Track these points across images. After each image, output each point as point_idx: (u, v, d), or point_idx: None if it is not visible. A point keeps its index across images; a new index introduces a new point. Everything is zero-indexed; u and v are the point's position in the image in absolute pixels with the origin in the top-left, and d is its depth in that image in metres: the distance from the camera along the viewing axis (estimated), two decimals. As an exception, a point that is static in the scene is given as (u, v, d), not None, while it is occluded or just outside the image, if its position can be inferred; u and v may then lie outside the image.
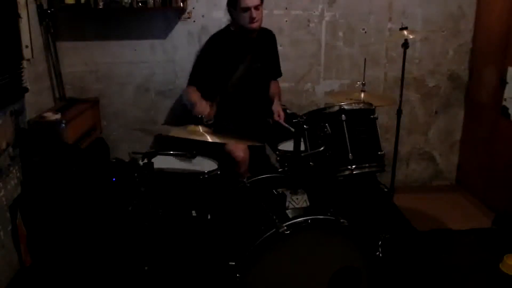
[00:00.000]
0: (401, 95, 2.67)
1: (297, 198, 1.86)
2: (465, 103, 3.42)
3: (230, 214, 2.13)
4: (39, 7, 2.69)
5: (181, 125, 1.86)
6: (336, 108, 1.97)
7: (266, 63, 2.78)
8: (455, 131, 3.50)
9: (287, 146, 2.44)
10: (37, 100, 2.62)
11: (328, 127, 1.93)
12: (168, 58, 3.09)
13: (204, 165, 2.17)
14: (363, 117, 2.03)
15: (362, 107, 2.06)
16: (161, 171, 2.02)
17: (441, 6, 3.20)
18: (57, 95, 2.92)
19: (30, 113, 2.47)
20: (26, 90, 2.43)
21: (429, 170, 3.57)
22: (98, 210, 2.33)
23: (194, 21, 3.04)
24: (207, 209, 2.07)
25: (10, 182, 2.26)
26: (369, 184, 2.68)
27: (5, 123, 2.21)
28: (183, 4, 2.85)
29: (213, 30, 2.82)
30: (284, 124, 2.51)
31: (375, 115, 2.05)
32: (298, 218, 1.75)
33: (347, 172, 1.94)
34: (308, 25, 3.15)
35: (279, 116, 2.64)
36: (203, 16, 3.04)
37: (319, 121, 1.95)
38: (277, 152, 2.39)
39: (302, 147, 1.91)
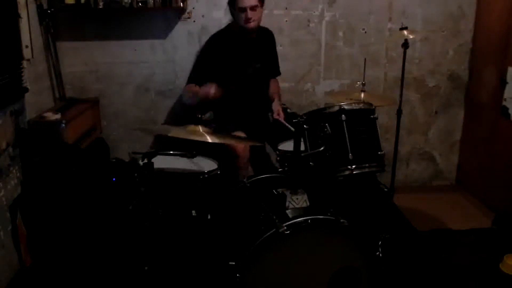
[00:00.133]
0: (401, 95, 2.67)
1: (297, 198, 1.86)
2: (465, 103, 3.42)
3: (230, 214, 2.13)
4: (39, 7, 2.69)
5: (181, 125, 1.86)
6: (336, 108, 1.97)
7: (266, 62, 2.79)
8: (455, 131, 3.50)
9: (287, 146, 2.44)
10: (37, 100, 2.62)
11: (328, 127, 1.93)
12: (168, 58, 3.09)
13: (204, 165, 2.17)
14: (363, 117, 2.03)
15: (362, 107, 2.06)
16: (161, 171, 2.02)
17: (441, 6, 3.20)
18: (57, 95, 2.92)
19: (30, 113, 2.47)
20: (26, 90, 2.43)
21: (429, 170, 3.57)
22: (98, 210, 2.33)
23: (194, 21, 3.04)
24: (207, 209, 2.07)
25: (10, 182, 2.26)
26: (369, 184, 2.68)
27: (5, 123, 2.21)
28: (183, 4, 2.85)
29: (213, 30, 2.83)
30: (284, 122, 2.52)
31: (375, 115, 2.05)
32: (298, 218, 1.75)
33: (347, 172, 1.94)
34: (308, 25, 3.15)
35: (278, 114, 2.64)
36: (203, 16, 3.04)
37: (319, 121, 1.95)
38: (277, 152, 2.39)
39: (302, 147, 1.91)
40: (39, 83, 2.70)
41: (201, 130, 1.77)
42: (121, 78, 3.09)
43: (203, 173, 2.06)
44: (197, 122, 1.83)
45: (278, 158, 2.34)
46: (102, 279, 2.20)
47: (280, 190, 1.93)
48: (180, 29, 3.05)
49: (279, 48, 3.02)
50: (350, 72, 3.26)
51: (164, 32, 3.04)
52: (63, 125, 2.40)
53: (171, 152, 1.99)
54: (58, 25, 2.87)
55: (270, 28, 2.89)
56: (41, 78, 2.74)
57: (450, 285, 2.29)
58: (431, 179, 3.59)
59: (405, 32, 2.54)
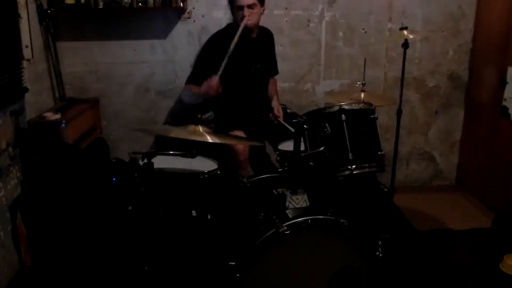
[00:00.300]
0: (401, 95, 2.67)
1: (297, 198, 1.86)
2: (465, 103, 3.42)
3: (230, 214, 2.13)
4: (39, 7, 2.69)
5: (181, 125, 1.86)
6: (336, 108, 1.97)
7: (266, 62, 2.79)
8: (455, 131, 3.50)
9: (287, 146, 2.44)
10: (37, 100, 2.62)
11: (328, 127, 1.93)
12: (168, 58, 3.09)
13: (204, 165, 2.17)
14: (363, 117, 2.03)
15: (362, 107, 2.06)
16: (161, 171, 2.02)
17: (441, 6, 3.20)
18: (57, 95, 2.92)
19: (30, 113, 2.47)
20: (26, 90, 2.43)
21: (429, 170, 3.57)
22: (98, 210, 2.33)
23: (194, 21, 3.04)
24: (207, 209, 2.07)
25: (10, 182, 2.26)
26: (369, 184, 2.68)
27: (5, 123, 2.21)
28: (183, 4, 2.85)
29: (213, 30, 2.82)
30: (283, 122, 2.52)
31: (375, 115, 2.05)
32: (298, 218, 1.75)
33: (347, 172, 1.94)
34: (308, 25, 3.15)
35: (278, 112, 2.64)
36: (203, 16, 3.04)
37: (319, 121, 1.95)
38: (277, 152, 2.39)
39: (302, 147, 1.91)
40: (39, 83, 2.70)
41: (201, 130, 1.77)
42: (121, 78, 3.09)
43: (203, 173, 2.06)
44: (197, 122, 1.83)
45: (278, 158, 2.34)
46: (102, 279, 2.20)
47: (280, 190, 1.93)
48: (180, 29, 3.05)
49: (279, 48, 3.02)
50: (350, 72, 3.26)
51: (164, 32, 3.04)
52: (63, 125, 2.40)
53: (171, 152, 1.99)
54: (58, 25, 2.87)
55: (270, 28, 2.89)
56: (41, 78, 2.74)
57: (450, 285, 2.29)
58: (431, 179, 3.59)
59: (405, 32, 2.54)
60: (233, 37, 2.64)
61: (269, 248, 1.69)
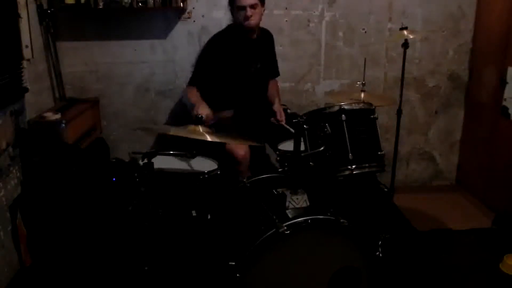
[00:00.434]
0: (401, 95, 2.67)
1: (297, 198, 1.86)
2: (465, 103, 3.42)
3: (230, 214, 2.13)
4: (39, 7, 2.69)
5: (181, 125, 1.86)
6: (336, 108, 1.97)
7: (266, 63, 2.79)
8: (455, 131, 3.50)
9: (287, 146, 2.44)
10: (37, 100, 2.62)
11: (328, 127, 1.93)
12: (168, 58, 3.09)
13: (204, 165, 2.17)
14: (363, 117, 2.03)
15: (362, 107, 2.06)
16: (161, 171, 2.02)
17: (441, 6, 3.20)
18: (57, 95, 2.92)
19: (30, 113, 2.47)
20: (26, 90, 2.43)
21: (429, 170, 3.57)
22: (98, 210, 2.33)
23: (194, 21, 3.04)
24: (207, 209, 2.07)
25: (10, 182, 2.26)
26: (369, 184, 2.68)
27: (5, 123, 2.21)
28: (183, 4, 2.85)
29: (213, 30, 2.83)
30: (285, 125, 2.51)
31: (375, 115, 2.05)
32: (298, 218, 1.75)
33: (347, 172, 1.94)
34: (308, 25, 3.15)
35: (280, 116, 2.64)
36: (203, 16, 3.04)
37: (319, 121, 1.95)
38: (277, 152, 2.39)
39: (302, 147, 1.91)
40: (39, 83, 2.70)
41: (201, 130, 1.77)
42: (121, 78, 3.09)
43: (203, 173, 2.06)
44: (197, 123, 1.83)
45: (278, 158, 2.34)
46: (102, 279, 2.20)
47: (280, 190, 1.93)
48: (180, 29, 3.05)
49: (279, 48, 3.02)
50: (350, 72, 3.26)
51: (164, 32, 3.04)
52: (63, 125, 2.40)
53: (171, 152, 2.00)
54: (58, 25, 2.87)
55: (270, 28, 2.89)
56: (41, 78, 2.74)
57: (450, 285, 2.29)
58: (431, 179, 3.59)
59: (405, 32, 2.54)
60: (233, 38, 2.64)
61: (269, 248, 1.69)
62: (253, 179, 2.22)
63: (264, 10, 2.62)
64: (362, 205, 2.55)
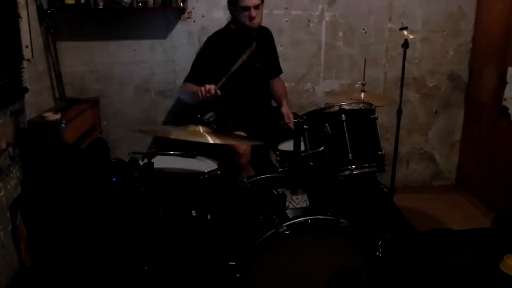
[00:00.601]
0: (401, 95, 2.67)
1: (297, 198, 1.86)
2: (465, 103, 3.42)
3: (230, 214, 2.13)
4: (39, 7, 2.69)
5: (181, 125, 1.86)
6: (336, 108, 1.97)
7: (265, 61, 2.79)
8: (455, 131, 3.50)
9: (287, 146, 2.44)
10: (37, 100, 2.62)
11: (328, 127, 1.93)
12: (168, 58, 3.09)
13: (204, 165, 2.17)
14: (363, 117, 2.03)
15: (362, 107, 2.06)
16: (161, 171, 2.02)
17: (441, 6, 3.20)
18: (57, 95, 2.92)
19: (30, 113, 2.47)
20: (26, 90, 2.43)
21: (429, 170, 3.57)
22: (98, 210, 2.33)
23: (194, 21, 3.04)
24: (207, 209, 2.07)
25: (10, 182, 2.26)
26: (369, 184, 2.68)
27: (5, 123, 2.21)
28: (183, 4, 2.85)
29: (213, 30, 2.82)
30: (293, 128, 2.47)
31: (375, 115, 2.05)
32: (298, 218, 1.75)
33: (347, 172, 1.94)
34: (308, 25, 3.15)
35: (288, 118, 2.59)
36: (203, 16, 3.04)
37: (319, 121, 1.95)
38: (277, 152, 2.39)
39: (302, 147, 1.91)
40: (39, 83, 2.70)
41: (201, 131, 1.77)
42: (121, 78, 3.09)
43: (203, 173, 2.06)
44: (198, 123, 1.83)
45: (278, 158, 2.34)
46: (102, 279, 2.20)
47: (280, 190, 1.92)
48: (180, 29, 3.05)
49: (279, 48, 3.02)
50: (350, 72, 3.26)
51: (164, 32, 3.04)
52: (63, 125, 2.40)
53: (171, 152, 1.99)
54: (58, 25, 2.87)
55: (270, 28, 2.89)
56: (41, 78, 2.74)
57: (450, 285, 2.29)
58: (431, 179, 3.59)
59: (405, 32, 2.54)
60: (233, 36, 2.64)
61: (269, 248, 1.69)
62: (253, 179, 2.22)
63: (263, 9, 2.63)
64: (362, 205, 2.55)
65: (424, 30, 3.21)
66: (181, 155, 1.95)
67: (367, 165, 1.98)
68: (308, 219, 1.75)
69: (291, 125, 2.55)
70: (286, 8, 3.10)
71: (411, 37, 2.54)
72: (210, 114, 2.75)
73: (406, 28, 2.56)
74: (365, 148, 1.99)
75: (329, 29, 3.17)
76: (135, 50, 3.05)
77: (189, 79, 2.64)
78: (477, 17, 3.23)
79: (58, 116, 2.46)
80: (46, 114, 2.45)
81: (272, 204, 1.90)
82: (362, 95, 2.49)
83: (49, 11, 2.73)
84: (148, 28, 3.01)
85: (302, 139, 1.91)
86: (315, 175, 1.99)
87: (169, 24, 3.04)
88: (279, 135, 2.57)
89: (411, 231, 2.79)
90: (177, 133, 1.76)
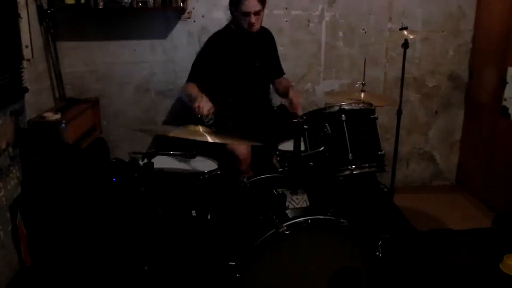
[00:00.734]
0: (401, 95, 2.67)
1: (297, 198, 1.86)
2: (465, 103, 3.42)
3: (230, 214, 2.13)
4: (39, 7, 2.69)
5: (181, 125, 1.86)
6: (336, 108, 1.97)
7: (266, 61, 2.79)
8: (455, 131, 3.50)
9: (287, 146, 2.44)
10: (37, 100, 2.62)
11: (328, 127, 1.93)
12: (168, 58, 3.09)
13: (204, 165, 2.17)
14: (363, 117, 2.03)
15: (362, 107, 2.06)
16: (161, 171, 2.02)
17: (441, 6, 3.20)
18: (57, 95, 2.92)
19: (30, 113, 2.47)
20: (26, 90, 2.43)
21: (429, 170, 3.57)
22: (98, 210, 2.33)
23: (194, 21, 3.04)
24: (207, 209, 2.07)
25: (10, 182, 2.26)
26: (369, 184, 2.68)
27: (5, 123, 2.22)
28: (183, 4, 2.85)
29: (213, 30, 2.82)
30: (298, 113, 2.44)
31: (375, 115, 2.05)
32: (298, 218, 1.75)
33: (347, 172, 1.94)
34: (308, 25, 3.15)
35: (296, 99, 2.55)
36: (203, 16, 3.04)
37: (319, 121, 1.95)
38: (277, 152, 2.39)
39: (302, 147, 1.91)
40: (39, 83, 2.70)
41: (201, 130, 1.77)
42: (121, 78, 3.09)
43: (203, 173, 2.06)
44: (197, 122, 1.83)
45: (278, 158, 2.34)
46: (102, 279, 2.20)
47: (280, 190, 1.92)
48: (180, 29, 3.05)
49: (279, 48, 3.01)
50: (350, 72, 3.26)
51: (164, 32, 3.04)
52: (63, 125, 2.40)
53: (171, 152, 1.99)
54: (58, 25, 2.87)
55: (270, 28, 2.89)
56: (41, 78, 2.74)
57: (450, 285, 2.29)
58: (431, 179, 3.59)
59: (405, 32, 2.54)
60: (233, 37, 2.64)
61: (269, 248, 1.69)
62: (253, 179, 2.22)
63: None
64: (362, 205, 2.55)
65: (424, 30, 3.21)
66: (181, 155, 1.95)
67: (367, 165, 1.98)
68: (308, 219, 1.75)
69: (298, 111, 2.51)
70: (286, 8, 3.10)
71: (411, 37, 2.54)
72: (210, 116, 2.75)
73: (406, 28, 2.56)
74: (365, 148, 1.99)
75: (329, 29, 3.17)
76: (135, 50, 3.05)
77: (191, 79, 2.64)
78: (477, 17, 3.23)
79: (58, 116, 2.46)
80: (46, 114, 2.45)
81: (272, 204, 1.90)
82: (362, 95, 2.49)
83: (49, 11, 2.73)
84: (148, 28, 3.01)
85: (302, 139, 1.91)
86: (315, 175, 1.99)
87: (169, 24, 3.04)
88: (279, 135, 2.57)
89: (411, 231, 2.79)
90: (177, 132, 1.76)
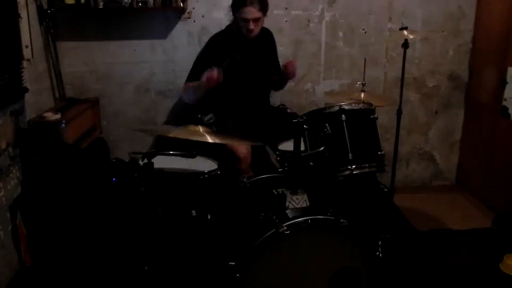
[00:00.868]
0: (401, 95, 2.67)
1: (297, 198, 1.86)
2: (465, 103, 3.42)
3: (230, 214, 2.13)
4: (39, 7, 2.69)
5: (181, 125, 1.86)
6: (336, 108, 1.97)
7: (265, 62, 2.79)
8: (455, 131, 3.50)
9: (287, 146, 2.44)
10: (37, 100, 2.62)
11: (328, 127, 1.93)
12: (168, 58, 3.09)
13: (204, 165, 2.17)
14: (363, 117, 2.03)
15: (362, 107, 2.06)
16: (161, 171, 2.02)
17: (441, 6, 3.20)
18: (57, 95, 2.92)
19: (30, 113, 2.47)
20: (26, 90, 2.43)
21: (429, 170, 3.57)
22: (98, 210, 2.33)
23: (194, 21, 3.04)
24: (207, 209, 2.07)
25: (10, 182, 2.26)
26: (369, 184, 2.68)
27: (5, 123, 2.22)
28: (183, 4, 2.85)
29: (213, 30, 2.83)
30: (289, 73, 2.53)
31: (375, 115, 2.05)
32: (298, 218, 1.75)
33: (347, 172, 1.94)
34: (308, 25, 3.15)
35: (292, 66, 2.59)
36: (203, 16, 3.04)
37: (319, 121, 1.95)
38: (277, 152, 2.39)
39: (302, 147, 1.91)
40: (39, 83, 2.70)
41: (201, 130, 1.77)
42: (121, 78, 3.09)
43: (203, 173, 2.06)
44: (198, 122, 1.83)
45: (278, 158, 2.34)
46: (102, 279, 2.20)
47: (280, 190, 1.93)
48: (180, 29, 3.05)
49: (279, 48, 3.01)
50: (350, 72, 3.26)
51: (164, 32, 3.04)
52: (63, 125, 2.40)
53: (171, 152, 1.99)
54: (58, 25, 2.87)
55: (270, 28, 2.88)
56: (41, 78, 2.74)
57: (450, 285, 2.29)
58: (431, 179, 3.59)
59: (405, 32, 2.54)
60: (233, 38, 2.64)
61: (269, 248, 1.69)
62: (253, 179, 2.22)
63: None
64: (362, 205, 2.55)
65: (424, 30, 3.21)
66: (181, 155, 1.95)
67: (367, 165, 1.98)
68: (308, 219, 1.75)
69: (291, 75, 2.60)
70: (286, 8, 3.10)
71: (411, 37, 2.54)
72: (209, 116, 2.76)
73: (406, 28, 2.57)
74: (365, 148, 1.99)
75: (329, 29, 3.17)
76: (135, 50, 3.05)
77: (189, 79, 2.64)
78: (477, 17, 3.23)
79: (58, 116, 2.46)
80: (46, 114, 2.45)
81: (272, 204, 1.90)
82: (362, 95, 2.49)
83: (49, 11, 2.73)
84: (148, 28, 3.01)
85: (302, 139, 1.91)
86: (315, 175, 1.99)
87: (169, 24, 3.04)
88: (279, 135, 2.57)
89: (411, 231, 2.79)
90: (177, 132, 1.76)
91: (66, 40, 2.94)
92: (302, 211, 1.83)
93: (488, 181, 3.16)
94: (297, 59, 3.19)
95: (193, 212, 2.04)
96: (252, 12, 2.47)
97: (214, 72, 2.32)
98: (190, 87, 2.59)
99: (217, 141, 1.76)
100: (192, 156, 1.92)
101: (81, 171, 2.37)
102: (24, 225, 2.29)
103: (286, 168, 2.21)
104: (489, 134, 3.11)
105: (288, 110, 2.83)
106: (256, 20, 2.51)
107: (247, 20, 2.50)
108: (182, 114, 3.12)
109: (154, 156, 1.84)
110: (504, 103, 2.89)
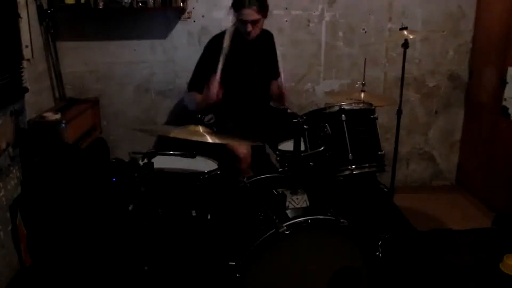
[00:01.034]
0: (401, 95, 2.67)
1: (297, 198, 1.86)
2: (465, 103, 3.42)
3: (230, 214, 2.13)
4: (39, 7, 2.69)
5: (181, 125, 1.86)
6: (336, 108, 1.97)
7: (265, 64, 2.78)
8: (455, 131, 3.50)
9: (287, 146, 2.44)
10: (37, 100, 2.62)
11: (328, 127, 1.93)
12: (168, 58, 3.09)
13: (204, 165, 2.17)
14: (363, 117, 2.03)
15: (362, 107, 2.05)
16: (161, 171, 2.01)
17: (441, 6, 3.20)
18: (57, 95, 2.92)
19: (30, 113, 2.47)
20: (26, 90, 2.43)
21: (429, 170, 3.57)
22: (98, 210, 2.33)
23: (194, 21, 3.05)
24: (207, 209, 2.07)
25: (10, 182, 2.26)
26: (369, 184, 2.68)
27: (5, 123, 2.21)
28: (183, 4, 2.85)
29: (213, 30, 2.83)
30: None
31: (375, 115, 2.04)
32: (298, 218, 1.75)
33: (347, 172, 1.94)
34: (308, 25, 3.15)
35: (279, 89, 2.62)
36: (203, 16, 3.04)
37: (319, 121, 1.95)
38: (277, 152, 2.39)
39: (302, 147, 1.91)
40: (39, 83, 2.70)
41: (201, 131, 1.77)
42: (121, 78, 3.09)
43: (203, 173, 2.06)
44: (198, 123, 1.83)
45: (278, 158, 2.34)
46: (102, 279, 2.20)
47: (280, 190, 1.93)
48: (180, 29, 3.05)
49: (279, 48, 3.00)
50: (350, 72, 3.26)
51: (164, 32, 3.04)
52: (63, 125, 2.40)
53: (171, 152, 1.99)
54: (58, 25, 2.87)
55: (270, 28, 2.88)
56: (41, 78, 2.74)
57: (450, 285, 2.29)
58: (431, 179, 3.59)
59: (405, 32, 2.54)
60: (232, 40, 2.64)
61: (269, 248, 1.69)
62: (253, 179, 2.22)
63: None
64: (362, 205, 2.55)
65: (424, 30, 3.21)
66: (181, 155, 1.95)
67: (367, 165, 1.98)
68: (308, 219, 1.75)
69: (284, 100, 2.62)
70: (286, 8, 3.10)
71: (411, 37, 2.54)
72: (210, 116, 2.75)
73: (406, 28, 2.57)
74: (365, 148, 1.99)
75: (329, 29, 3.17)
76: (135, 50, 3.05)
77: (192, 86, 2.63)
78: (477, 17, 3.23)
79: (58, 116, 2.46)
80: (46, 114, 2.45)
81: (272, 204, 1.90)
82: (362, 95, 2.49)
83: (49, 11, 2.73)
84: (148, 28, 3.01)
85: (302, 139, 1.91)
86: (315, 175, 1.99)
87: (169, 24, 3.04)
88: (279, 135, 2.57)
89: (411, 231, 2.79)
90: (177, 132, 1.76)
91: (66, 40, 2.94)
92: (302, 211, 1.83)
93: (488, 181, 3.16)
94: (297, 59, 3.20)
95: (193, 212, 2.04)
96: (250, 14, 2.46)
97: (213, 91, 2.35)
98: (193, 99, 2.59)
99: (217, 141, 1.76)
100: (192, 156, 1.92)
101: (81, 171, 2.37)
102: (24, 225, 2.29)
103: (286, 168, 2.21)
104: (489, 134, 3.11)
105: (288, 110, 2.82)
106: (254, 22, 2.51)
107: (245, 22, 2.50)
108: (182, 114, 3.12)
109: (154, 156, 1.84)
110: (504, 103, 2.89)
